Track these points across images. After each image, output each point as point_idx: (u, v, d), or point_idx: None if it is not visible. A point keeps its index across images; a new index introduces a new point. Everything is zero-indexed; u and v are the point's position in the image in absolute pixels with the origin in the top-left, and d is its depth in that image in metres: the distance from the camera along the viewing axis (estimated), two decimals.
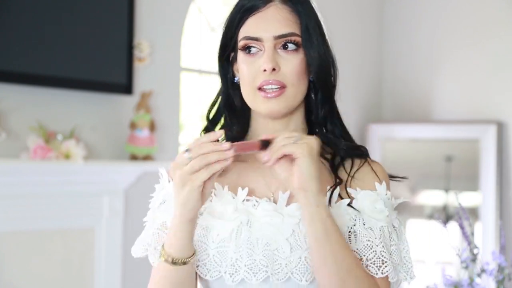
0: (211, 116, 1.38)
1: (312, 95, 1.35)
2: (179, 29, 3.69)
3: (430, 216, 4.41)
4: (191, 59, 3.95)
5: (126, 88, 3.30)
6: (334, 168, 1.32)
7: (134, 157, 3.35)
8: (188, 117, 4.05)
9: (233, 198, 1.28)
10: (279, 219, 1.25)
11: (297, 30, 1.29)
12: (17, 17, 2.92)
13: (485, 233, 4.23)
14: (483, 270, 2.15)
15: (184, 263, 1.21)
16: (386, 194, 1.30)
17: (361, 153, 1.34)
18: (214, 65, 1.38)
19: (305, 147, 1.16)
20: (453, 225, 2.37)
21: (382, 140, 4.60)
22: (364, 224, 1.26)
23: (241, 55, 1.31)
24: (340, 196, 1.28)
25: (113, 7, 3.24)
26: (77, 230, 3.20)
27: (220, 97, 1.38)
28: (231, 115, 1.37)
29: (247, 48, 1.30)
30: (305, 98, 1.34)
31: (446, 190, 4.42)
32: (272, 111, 1.29)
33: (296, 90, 1.29)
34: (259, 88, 1.28)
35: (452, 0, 4.62)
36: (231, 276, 1.23)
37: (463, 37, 4.55)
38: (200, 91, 4.03)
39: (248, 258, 1.23)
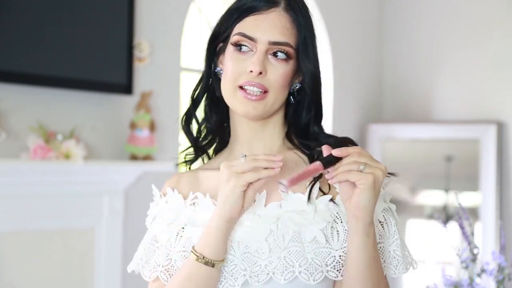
0: (195, 97, 1.40)
1: (291, 100, 1.36)
2: (179, 29, 3.69)
3: (430, 216, 4.41)
4: (191, 59, 3.95)
5: (126, 88, 3.30)
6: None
7: (134, 157, 3.35)
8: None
9: (214, 204, 1.28)
10: (257, 220, 1.25)
11: (292, 42, 1.29)
12: (17, 17, 2.92)
13: (485, 233, 4.23)
14: (483, 270, 2.15)
15: (214, 265, 1.22)
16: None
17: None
18: (202, 54, 1.38)
19: (370, 179, 1.15)
20: (453, 225, 2.37)
21: (382, 140, 4.60)
22: (347, 223, 1.25)
23: (230, 50, 1.31)
24: (322, 191, 1.28)
25: (113, 7, 3.24)
26: (77, 230, 3.20)
27: (202, 83, 1.39)
28: (211, 104, 1.39)
29: (239, 45, 1.29)
30: (286, 104, 1.35)
31: (446, 190, 4.42)
32: (249, 114, 1.29)
33: (276, 97, 1.29)
34: (240, 87, 1.28)
35: (452, 0, 4.62)
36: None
37: (463, 37, 4.55)
38: None
39: (230, 264, 1.24)
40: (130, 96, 3.35)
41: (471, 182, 4.34)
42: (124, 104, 3.39)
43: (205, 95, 1.39)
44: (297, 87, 1.34)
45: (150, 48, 3.46)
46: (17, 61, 2.94)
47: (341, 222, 1.26)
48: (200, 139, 1.41)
